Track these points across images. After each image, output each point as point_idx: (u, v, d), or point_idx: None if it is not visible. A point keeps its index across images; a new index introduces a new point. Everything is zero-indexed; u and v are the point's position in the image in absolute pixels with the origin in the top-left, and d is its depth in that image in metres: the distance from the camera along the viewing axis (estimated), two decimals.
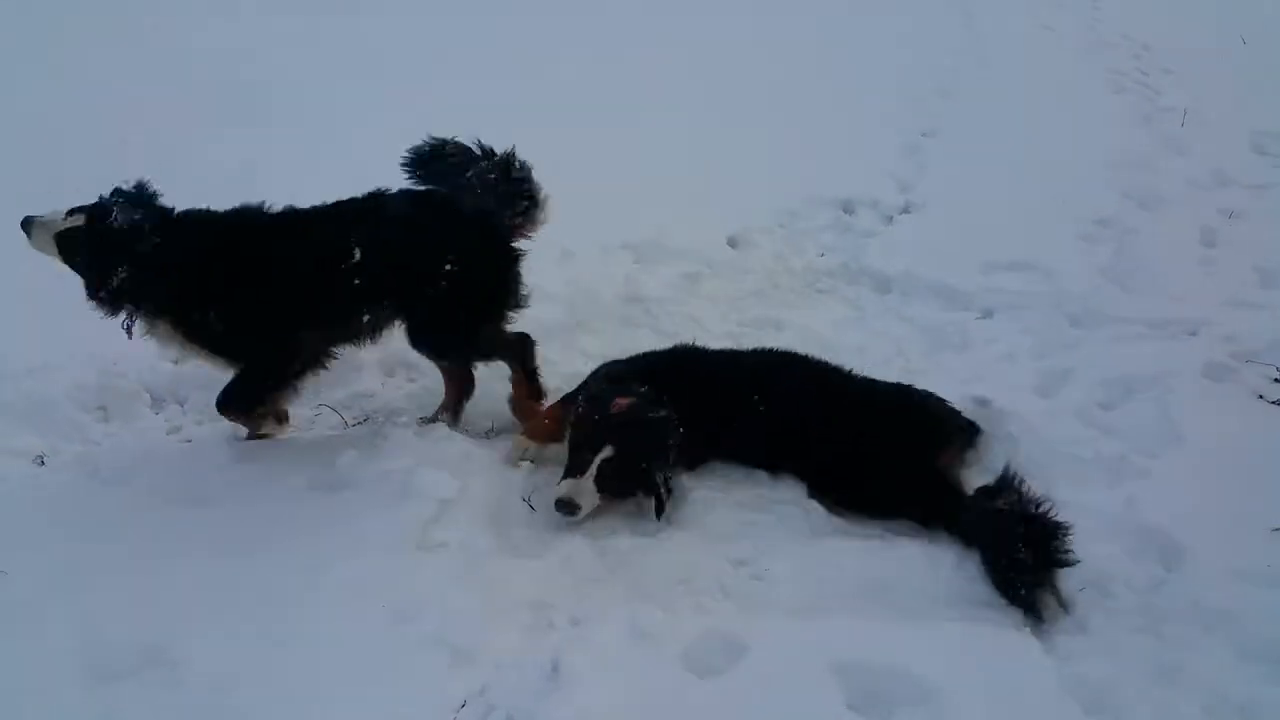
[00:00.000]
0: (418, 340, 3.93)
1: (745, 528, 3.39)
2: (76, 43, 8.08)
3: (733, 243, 5.89)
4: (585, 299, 5.10)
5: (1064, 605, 2.99)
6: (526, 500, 3.48)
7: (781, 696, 2.60)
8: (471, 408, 4.22)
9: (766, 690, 2.62)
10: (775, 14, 10.67)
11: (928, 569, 3.14)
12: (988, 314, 4.96)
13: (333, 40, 8.67)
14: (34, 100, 6.87)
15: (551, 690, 2.63)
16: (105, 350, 3.82)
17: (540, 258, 5.26)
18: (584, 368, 4.50)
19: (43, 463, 3.78)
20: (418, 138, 3.91)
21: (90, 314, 3.62)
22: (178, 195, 3.69)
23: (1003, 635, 2.86)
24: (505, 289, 3.95)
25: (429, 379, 4.23)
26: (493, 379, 4.35)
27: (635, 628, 2.83)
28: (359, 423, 4.08)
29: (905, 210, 6.39)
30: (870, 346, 4.62)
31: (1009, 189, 6.51)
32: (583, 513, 3.37)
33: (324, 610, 2.89)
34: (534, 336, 4.38)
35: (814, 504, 3.52)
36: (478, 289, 3.86)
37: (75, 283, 3.60)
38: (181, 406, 4.12)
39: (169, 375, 4.20)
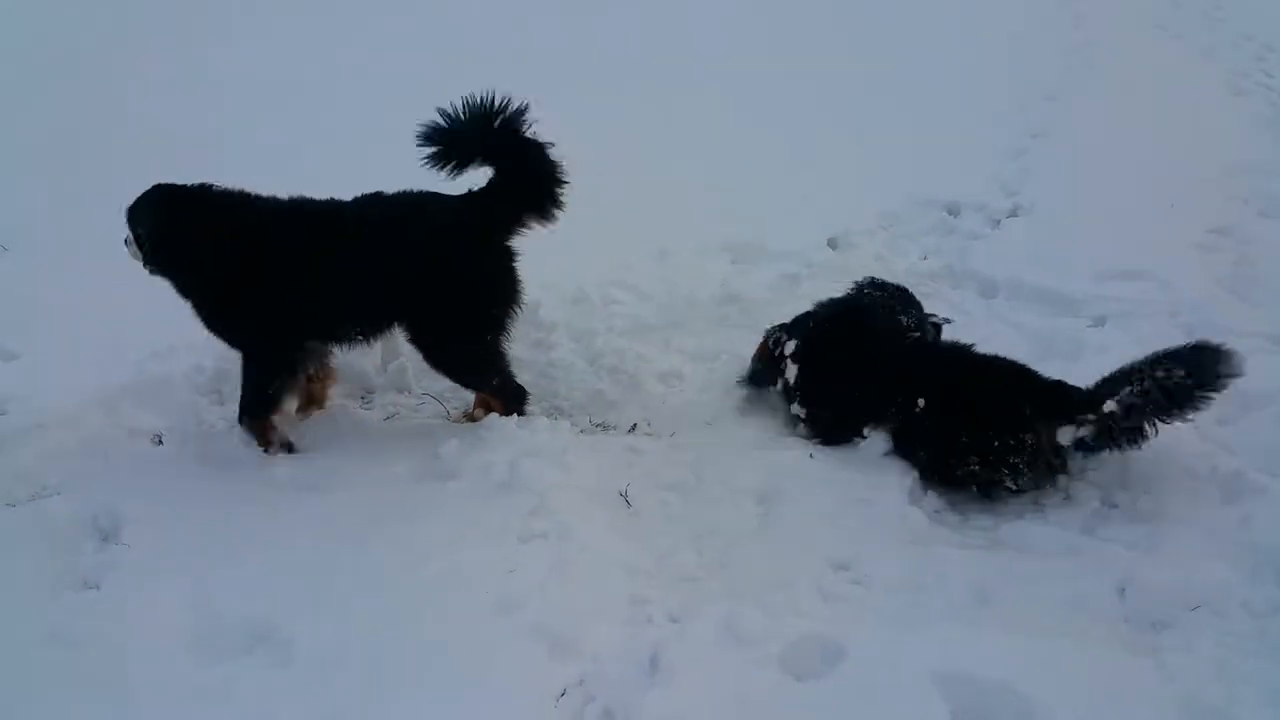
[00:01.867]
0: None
1: (843, 531, 3.35)
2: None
3: (833, 244, 5.84)
4: (682, 299, 5.11)
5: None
6: (623, 495, 3.50)
7: (882, 705, 2.56)
8: (570, 400, 4.27)
9: (866, 697, 2.58)
10: (881, 13, 10.52)
11: (1037, 580, 3.07)
12: (1099, 322, 4.81)
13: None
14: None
15: (650, 685, 2.65)
16: None
17: (639, 257, 5.35)
18: (680, 365, 4.53)
19: (160, 442, 3.95)
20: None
21: None
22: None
23: (1112, 653, 2.78)
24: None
25: (529, 373, 4.27)
26: (583, 369, 4.40)
27: (733, 627, 2.81)
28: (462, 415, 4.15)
29: (1013, 214, 6.23)
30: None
31: (1121, 194, 6.29)
32: None
33: (427, 597, 2.95)
34: (631, 334, 4.32)
35: (913, 510, 3.47)
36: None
37: None
38: None
39: None
